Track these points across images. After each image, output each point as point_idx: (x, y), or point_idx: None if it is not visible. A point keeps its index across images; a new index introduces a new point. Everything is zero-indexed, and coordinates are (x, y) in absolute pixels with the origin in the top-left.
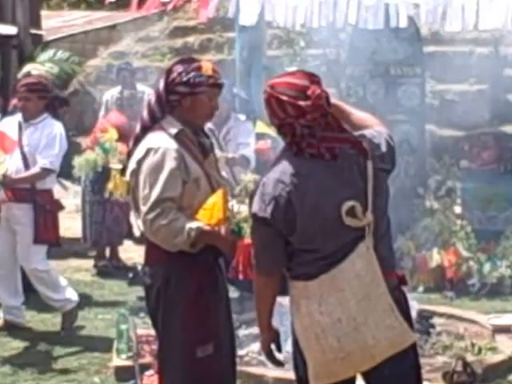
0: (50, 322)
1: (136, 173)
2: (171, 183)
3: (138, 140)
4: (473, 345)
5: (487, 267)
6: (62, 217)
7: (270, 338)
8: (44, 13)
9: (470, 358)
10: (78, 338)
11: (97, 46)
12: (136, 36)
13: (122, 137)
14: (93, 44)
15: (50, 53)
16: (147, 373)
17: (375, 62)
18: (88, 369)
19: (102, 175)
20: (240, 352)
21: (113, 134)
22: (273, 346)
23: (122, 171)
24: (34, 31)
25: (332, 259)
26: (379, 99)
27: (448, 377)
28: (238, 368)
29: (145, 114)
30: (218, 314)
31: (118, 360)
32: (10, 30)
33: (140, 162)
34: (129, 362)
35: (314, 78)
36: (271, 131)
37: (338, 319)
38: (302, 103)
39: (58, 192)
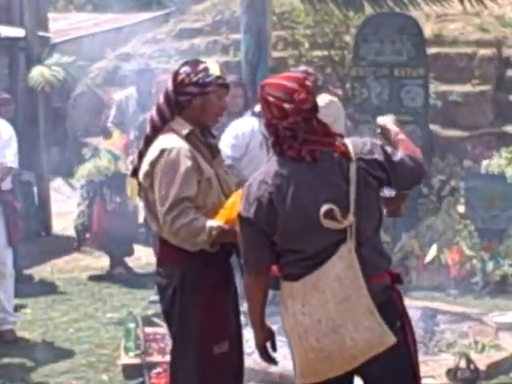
0: (58, 320)
1: (150, 174)
2: (187, 183)
3: (149, 141)
4: (476, 342)
5: (490, 266)
6: (71, 217)
7: (264, 335)
8: (51, 15)
9: (473, 355)
10: (86, 336)
11: (104, 47)
12: (142, 38)
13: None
14: (100, 46)
15: (55, 57)
16: (155, 371)
17: (379, 64)
18: (96, 366)
19: (111, 181)
20: (247, 349)
21: (116, 141)
22: (268, 345)
23: (134, 172)
24: (41, 33)
25: (315, 261)
26: (383, 100)
27: (452, 374)
28: (247, 365)
29: (154, 115)
30: (231, 312)
31: (126, 358)
32: (17, 32)
33: (154, 163)
34: (137, 360)
35: (304, 82)
36: None
37: (318, 320)
38: (286, 106)
39: (65, 192)
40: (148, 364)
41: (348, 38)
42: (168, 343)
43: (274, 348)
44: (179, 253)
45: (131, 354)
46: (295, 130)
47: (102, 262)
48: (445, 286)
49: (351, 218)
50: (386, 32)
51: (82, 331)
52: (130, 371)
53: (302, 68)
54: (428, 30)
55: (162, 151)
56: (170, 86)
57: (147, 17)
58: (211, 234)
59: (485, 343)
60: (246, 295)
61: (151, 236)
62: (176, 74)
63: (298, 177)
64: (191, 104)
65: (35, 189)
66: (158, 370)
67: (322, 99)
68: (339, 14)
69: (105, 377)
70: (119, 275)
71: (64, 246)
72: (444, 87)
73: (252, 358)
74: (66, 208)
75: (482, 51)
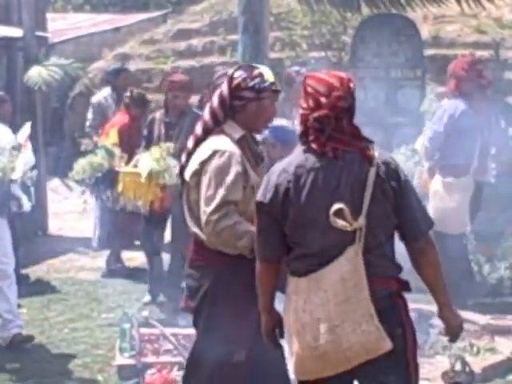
0: (54, 320)
1: (198, 173)
2: (236, 187)
3: (199, 141)
4: (472, 345)
5: (487, 268)
6: (67, 217)
7: (271, 320)
8: (49, 15)
9: (468, 358)
10: (81, 336)
11: (101, 48)
12: (140, 38)
13: (123, 140)
14: (97, 46)
15: (53, 58)
16: (149, 371)
17: (376, 65)
18: (91, 367)
19: (104, 178)
20: None
21: (114, 138)
22: (277, 331)
23: (181, 172)
24: (39, 34)
25: (321, 259)
26: (380, 102)
27: (447, 376)
28: None
29: (207, 116)
30: (256, 322)
31: (121, 358)
32: (15, 32)
33: (204, 163)
34: (131, 361)
35: (347, 83)
36: None
37: (318, 319)
38: (322, 99)
39: (62, 192)
40: (143, 365)
41: (345, 39)
42: (162, 344)
43: (282, 335)
44: (214, 256)
45: (126, 354)
46: (324, 124)
47: (98, 262)
48: None
49: (362, 221)
50: (383, 33)
51: (78, 331)
52: (124, 372)
53: (295, 68)
54: (425, 32)
55: (215, 152)
56: (225, 89)
57: (145, 17)
58: (253, 239)
59: (480, 346)
60: (257, 281)
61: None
62: (231, 78)
63: (318, 171)
64: (245, 108)
65: (32, 189)
66: (153, 370)
67: None
68: (336, 15)
69: (100, 377)
70: (119, 269)
71: (60, 246)
72: (441, 89)
73: None
74: (62, 208)
75: (480, 53)
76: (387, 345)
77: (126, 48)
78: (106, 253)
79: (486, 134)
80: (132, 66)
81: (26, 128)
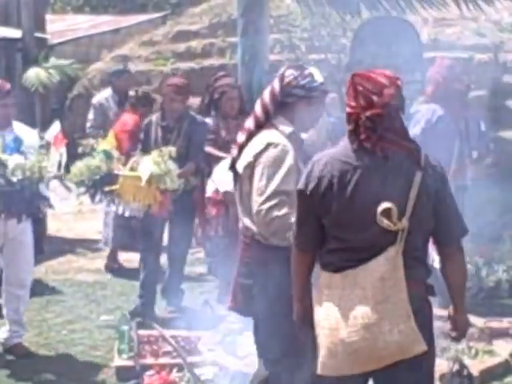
0: (52, 321)
1: (251, 165)
2: (288, 178)
3: (251, 135)
4: (470, 348)
5: (484, 271)
6: (66, 218)
7: (303, 308)
8: (48, 17)
9: (467, 360)
10: (79, 337)
11: (101, 49)
12: (139, 40)
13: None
14: (97, 48)
15: (53, 59)
16: (148, 373)
17: (375, 68)
18: (89, 368)
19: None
20: (240, 353)
21: (111, 141)
22: (306, 320)
23: (233, 164)
24: (38, 35)
25: (359, 256)
26: None
27: (445, 379)
28: (239, 369)
29: (259, 111)
30: None
31: (120, 360)
32: (14, 33)
33: (257, 156)
34: (130, 362)
35: (396, 81)
36: None
37: (354, 316)
38: (374, 97)
39: (61, 193)
40: (141, 366)
41: (345, 42)
42: (161, 345)
43: (312, 326)
44: (265, 251)
45: (125, 356)
46: (376, 123)
47: (97, 263)
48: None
49: (405, 222)
50: (382, 36)
51: (76, 333)
52: (123, 373)
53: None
54: (425, 35)
55: (268, 145)
56: (277, 86)
57: (144, 19)
58: None
59: (478, 349)
60: (292, 269)
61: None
62: (282, 75)
63: (365, 169)
64: (295, 106)
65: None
66: (151, 371)
67: None
68: (336, 18)
69: (98, 379)
70: (118, 268)
71: (58, 248)
72: None
73: (245, 362)
74: (60, 209)
75: (479, 56)
76: (422, 347)
77: (125, 49)
78: (104, 254)
79: (465, 138)
80: (131, 68)
81: (55, 126)
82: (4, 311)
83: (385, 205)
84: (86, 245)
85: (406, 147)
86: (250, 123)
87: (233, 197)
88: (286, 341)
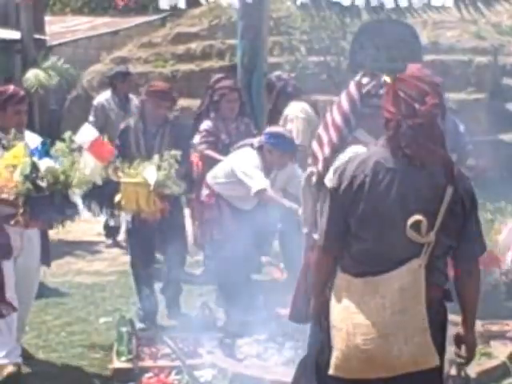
0: (51, 323)
1: None
2: None
3: (335, 148)
4: None
5: (482, 273)
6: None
7: (319, 304)
8: (47, 18)
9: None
10: (78, 339)
11: (100, 51)
12: (138, 42)
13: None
14: (96, 49)
15: (52, 60)
16: (147, 375)
17: (375, 70)
18: (88, 370)
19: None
20: (239, 355)
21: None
22: (322, 315)
23: (319, 179)
24: (37, 36)
25: (382, 263)
26: None
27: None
28: (237, 370)
29: (340, 122)
30: None
31: (119, 362)
32: (13, 34)
33: None
34: (129, 365)
35: (438, 88)
36: None
37: (372, 323)
38: (416, 105)
39: None
40: (140, 368)
41: (344, 44)
42: (160, 348)
43: (327, 318)
44: None
45: (123, 358)
46: (417, 132)
47: (95, 265)
48: None
49: (433, 235)
50: (382, 39)
51: (75, 335)
52: (121, 375)
53: (277, 73)
54: (424, 37)
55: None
56: (355, 94)
57: (143, 20)
58: None
59: (476, 351)
60: (314, 268)
61: None
62: (359, 83)
63: (400, 174)
64: (373, 117)
65: None
66: (150, 374)
67: (293, 106)
68: (336, 20)
69: (97, 381)
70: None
71: (57, 250)
72: None
73: (244, 364)
74: None
75: (478, 59)
76: (435, 360)
77: (125, 51)
78: (103, 256)
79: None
80: (130, 70)
81: (88, 131)
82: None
83: (416, 217)
84: (85, 247)
85: (442, 158)
86: (332, 136)
87: None
88: None
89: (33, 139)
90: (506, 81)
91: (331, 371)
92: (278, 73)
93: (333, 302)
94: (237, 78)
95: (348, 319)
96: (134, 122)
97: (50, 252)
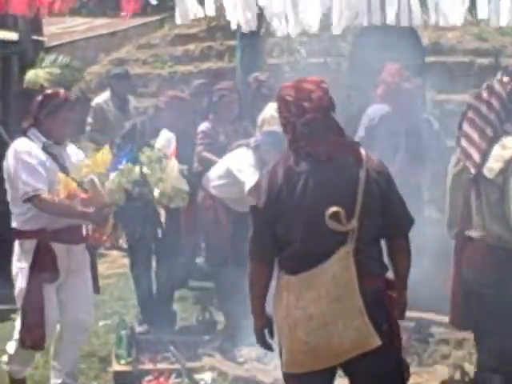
0: None
1: (504, 172)
2: None
3: (491, 142)
4: (471, 354)
5: None
6: None
7: (262, 322)
8: (45, 19)
9: (468, 367)
10: None
11: (98, 52)
12: (137, 43)
13: None
14: (94, 50)
15: (51, 57)
16: (146, 378)
17: (376, 72)
18: (87, 373)
19: None
20: (239, 359)
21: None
22: (266, 331)
23: (478, 169)
24: (35, 37)
25: (313, 258)
26: None
27: None
28: (237, 373)
29: (493, 118)
30: None
31: (118, 365)
32: (11, 36)
33: (509, 162)
34: (128, 368)
35: (320, 84)
36: None
37: (310, 315)
38: (304, 104)
39: None
40: (139, 371)
41: (344, 46)
42: (159, 351)
43: (272, 335)
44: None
45: (123, 361)
46: (312, 127)
47: None
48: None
49: (355, 222)
50: (383, 40)
51: None
52: (121, 378)
53: (255, 74)
54: (426, 39)
55: None
56: (502, 93)
57: (142, 22)
58: None
59: None
60: (249, 283)
61: None
62: (502, 82)
63: (310, 173)
64: None
65: None
66: (150, 377)
67: (270, 107)
68: None
69: None
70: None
71: None
72: (441, 96)
73: (244, 368)
74: None
75: (480, 60)
76: (376, 341)
77: (123, 52)
78: (102, 258)
79: (414, 137)
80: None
81: (168, 136)
82: (56, 362)
83: (333, 208)
84: None
85: (346, 146)
86: (486, 130)
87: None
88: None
89: (76, 152)
90: None
91: (283, 369)
92: (255, 74)
93: (276, 303)
94: (236, 79)
95: (289, 316)
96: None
97: (98, 276)
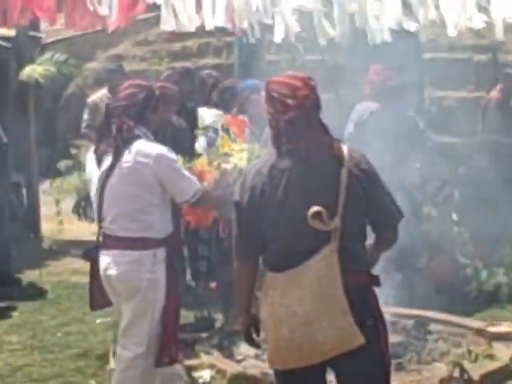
0: (47, 324)
1: None
2: None
3: None
4: (470, 352)
5: (484, 274)
6: (60, 220)
7: (248, 320)
8: None
9: (467, 364)
10: (75, 340)
11: (95, 49)
12: (134, 39)
13: None
14: (91, 47)
15: (48, 55)
16: None
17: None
18: (85, 371)
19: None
20: (238, 356)
21: None
22: (252, 329)
23: None
24: (32, 33)
25: (297, 256)
26: None
27: (445, 383)
28: (236, 370)
29: None
30: None
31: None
32: (8, 32)
33: None
34: None
35: (308, 82)
36: None
37: (294, 313)
38: (289, 101)
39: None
40: None
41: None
42: None
43: (258, 333)
44: None
45: None
46: (295, 125)
47: None
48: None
49: (337, 221)
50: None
51: (71, 335)
52: None
53: (206, 71)
54: (423, 35)
55: None
56: None
57: (139, 18)
58: None
59: (478, 353)
60: (235, 280)
61: None
62: None
63: (292, 171)
64: None
65: (24, 190)
66: None
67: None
68: None
69: (93, 382)
70: None
71: (53, 249)
72: (439, 93)
73: (242, 365)
74: (54, 210)
75: (478, 57)
76: (359, 340)
77: (120, 49)
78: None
79: (402, 135)
80: (126, 67)
81: None
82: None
83: (314, 208)
84: (82, 246)
85: (328, 146)
86: None
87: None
88: None
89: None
90: None
91: (269, 365)
92: (207, 71)
93: (262, 300)
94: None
95: (274, 313)
96: None
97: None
